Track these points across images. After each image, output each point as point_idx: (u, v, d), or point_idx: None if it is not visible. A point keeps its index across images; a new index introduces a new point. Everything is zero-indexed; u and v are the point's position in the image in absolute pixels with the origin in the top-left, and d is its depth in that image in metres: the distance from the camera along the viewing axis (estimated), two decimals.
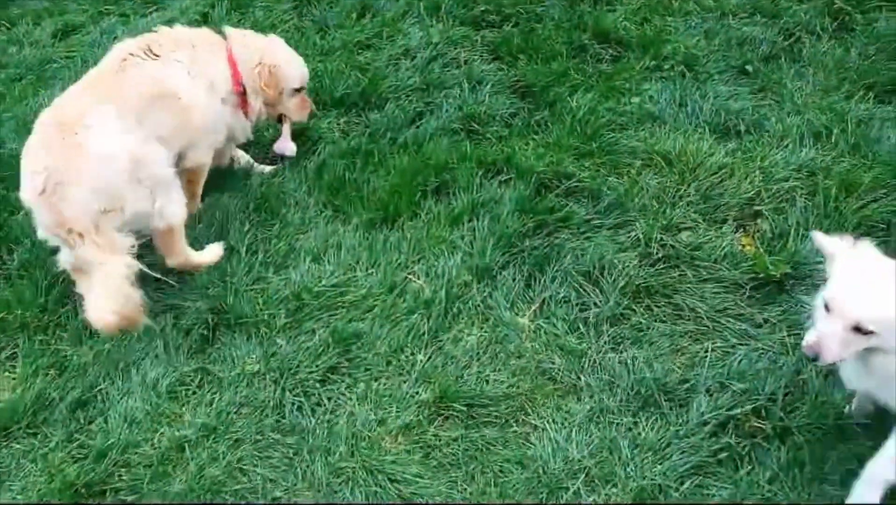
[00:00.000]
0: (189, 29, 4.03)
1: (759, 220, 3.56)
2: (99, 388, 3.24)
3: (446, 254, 3.62)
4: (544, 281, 3.43)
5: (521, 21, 5.18)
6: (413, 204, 3.89)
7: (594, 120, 4.27)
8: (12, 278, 3.78)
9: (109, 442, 2.99)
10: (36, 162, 3.28)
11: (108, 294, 3.24)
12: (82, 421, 3.13)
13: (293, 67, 4.10)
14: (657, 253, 3.41)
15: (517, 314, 3.33)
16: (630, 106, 4.41)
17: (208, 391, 3.20)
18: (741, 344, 3.06)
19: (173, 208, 3.51)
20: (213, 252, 3.78)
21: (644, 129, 4.22)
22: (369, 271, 3.61)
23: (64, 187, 3.19)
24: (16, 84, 5.18)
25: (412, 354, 3.22)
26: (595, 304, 3.27)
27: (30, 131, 4.54)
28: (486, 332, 3.28)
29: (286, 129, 4.27)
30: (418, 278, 3.54)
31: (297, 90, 4.13)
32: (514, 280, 3.46)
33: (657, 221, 3.56)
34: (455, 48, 4.96)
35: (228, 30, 4.05)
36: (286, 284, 3.59)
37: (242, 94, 3.94)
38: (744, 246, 3.46)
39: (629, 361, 3.04)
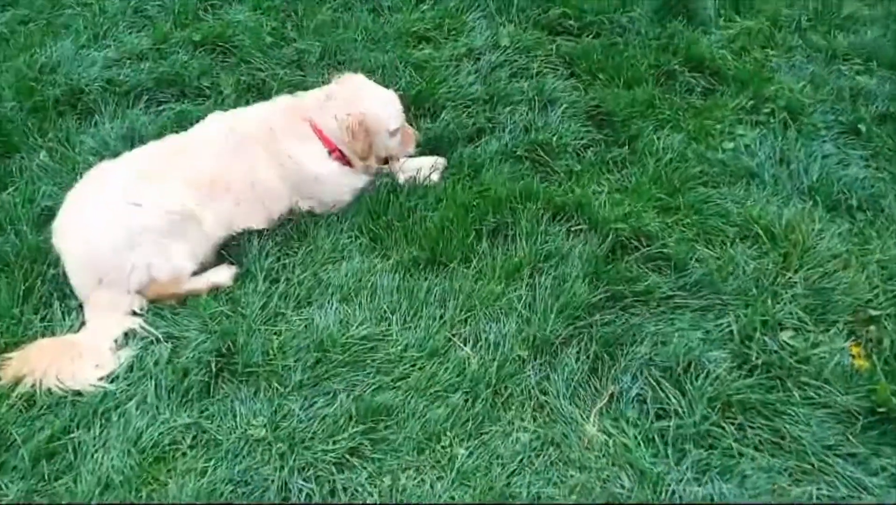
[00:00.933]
0: (267, 104, 3.60)
1: (874, 328, 2.98)
2: (71, 434, 2.69)
3: (500, 316, 3.05)
4: (615, 370, 2.86)
5: (604, 31, 4.54)
6: (465, 245, 3.30)
7: (682, 168, 3.67)
8: None
9: None
10: None
11: None
12: (47, 476, 2.59)
13: (383, 110, 3.52)
14: (755, 357, 2.84)
15: (579, 407, 2.77)
16: (723, 154, 3.80)
17: (201, 456, 2.65)
18: (851, 496, 2.51)
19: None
20: (221, 275, 3.22)
21: (739, 188, 3.61)
22: (407, 324, 3.04)
23: None
24: (22, 28, 4.54)
25: (451, 444, 2.67)
26: (676, 412, 2.71)
27: (31, 91, 4.02)
28: (541, 427, 2.72)
29: (396, 168, 3.70)
30: (465, 344, 2.97)
31: (396, 130, 3.57)
32: (577, 362, 2.89)
33: (755, 313, 2.98)
34: (526, 56, 4.33)
35: (305, 96, 3.58)
36: (307, 327, 3.02)
37: (343, 157, 3.52)
38: (854, 357, 2.89)
39: (716, 498, 2.50)
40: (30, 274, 3.13)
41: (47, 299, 3.11)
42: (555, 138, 3.81)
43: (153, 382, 2.84)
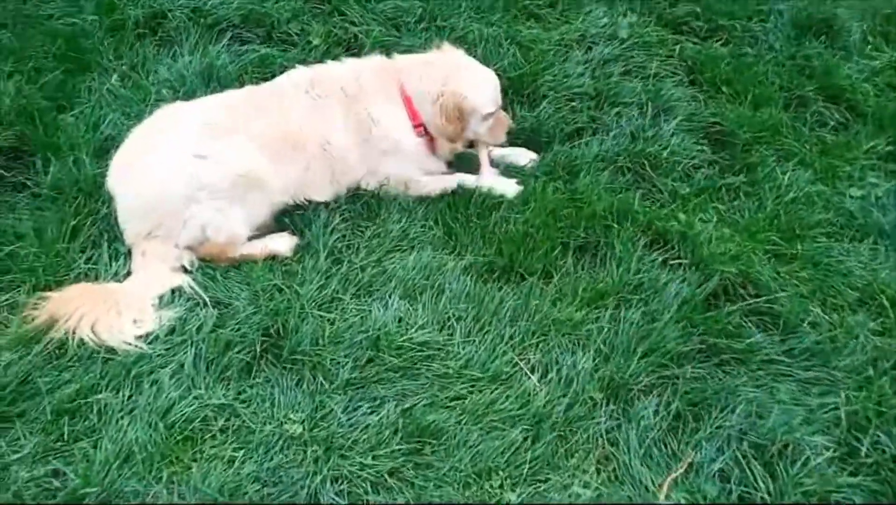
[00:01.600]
0: (357, 61, 3.29)
1: None
2: (98, 394, 2.48)
3: (576, 347, 2.72)
4: (698, 434, 2.51)
5: (734, 39, 4.08)
6: (548, 258, 2.97)
7: (804, 212, 3.25)
8: (39, 201, 3.00)
9: (88, 485, 2.25)
10: None
11: None
12: (66, 435, 2.38)
13: (481, 92, 3.19)
14: (864, 454, 2.46)
15: (651, 470, 2.44)
16: (851, 203, 3.35)
17: (231, 443, 2.42)
18: None
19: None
20: (281, 243, 2.95)
21: (866, 246, 3.18)
22: (471, 337, 2.73)
23: None
24: None
25: (502, 486, 2.37)
26: (763, 500, 2.36)
27: (112, 8, 3.77)
28: (604, 484, 2.40)
29: (483, 156, 3.35)
30: (532, 372, 2.66)
31: (491, 114, 3.22)
32: (656, 416, 2.55)
33: (870, 400, 2.59)
34: (645, 53, 3.91)
35: (399, 59, 3.27)
36: (363, 320, 2.74)
37: (426, 134, 3.21)
38: None
39: None
40: (82, 209, 2.92)
41: (97, 240, 2.89)
42: (665, 152, 3.41)
43: (192, 351, 2.60)
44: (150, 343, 2.62)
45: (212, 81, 3.47)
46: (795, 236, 3.14)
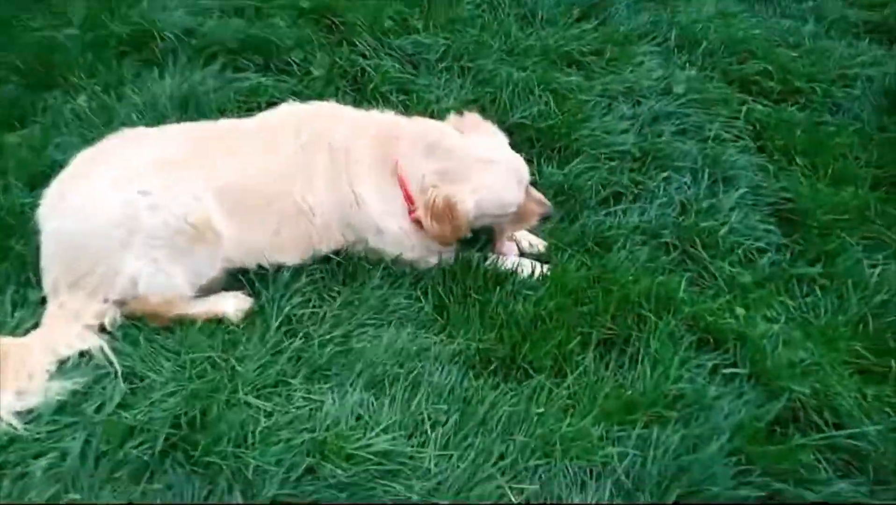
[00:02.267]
0: (355, 115, 2.63)
1: None
2: None
3: (588, 478, 2.02)
4: None
5: (813, 105, 3.44)
6: (562, 352, 2.30)
7: None
8: None
9: None
10: None
11: None
12: None
13: (492, 196, 2.46)
14: None
15: None
16: None
17: None
18: None
19: None
20: (227, 304, 2.37)
21: None
22: (448, 450, 2.06)
23: None
24: None
25: None
26: None
27: (96, 23, 3.37)
28: None
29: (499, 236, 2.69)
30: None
31: (511, 213, 2.55)
32: None
33: None
34: (704, 112, 3.29)
35: (402, 127, 2.57)
36: (311, 415, 2.10)
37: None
38: None
39: None
40: None
41: (2, 283, 2.36)
42: (722, 229, 2.74)
43: (82, 438, 2.00)
44: (29, 422, 2.03)
45: (188, 109, 2.98)
46: (887, 350, 2.40)
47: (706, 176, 2.95)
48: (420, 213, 2.41)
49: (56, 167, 2.61)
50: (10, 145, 2.74)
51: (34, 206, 2.44)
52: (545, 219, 2.62)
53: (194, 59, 3.26)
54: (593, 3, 3.82)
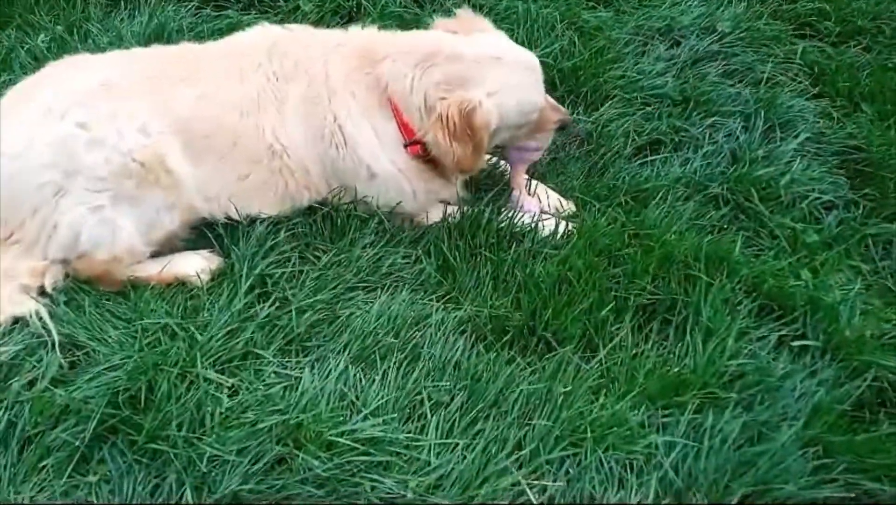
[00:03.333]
0: (336, 34, 2.21)
1: None
2: None
3: (627, 472, 1.62)
4: None
5: (878, 45, 2.97)
6: (591, 320, 1.89)
7: None
8: None
9: None
10: None
11: None
12: None
13: (510, 96, 2.05)
14: None
15: None
16: None
17: None
18: None
19: None
20: (187, 264, 1.99)
21: None
22: (453, 437, 1.66)
23: None
24: None
25: None
26: None
27: None
28: None
29: (518, 177, 2.26)
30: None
31: (529, 121, 2.13)
32: None
33: None
34: (754, 52, 2.85)
35: (384, 40, 2.14)
36: (285, 392, 1.72)
37: (426, 153, 2.06)
38: None
39: None
40: None
41: None
42: (782, 180, 2.31)
43: (5, 419, 1.64)
44: None
45: None
46: None
47: (760, 121, 2.52)
48: (436, 135, 1.97)
49: None
50: None
51: None
52: (562, 128, 2.24)
53: None
54: None
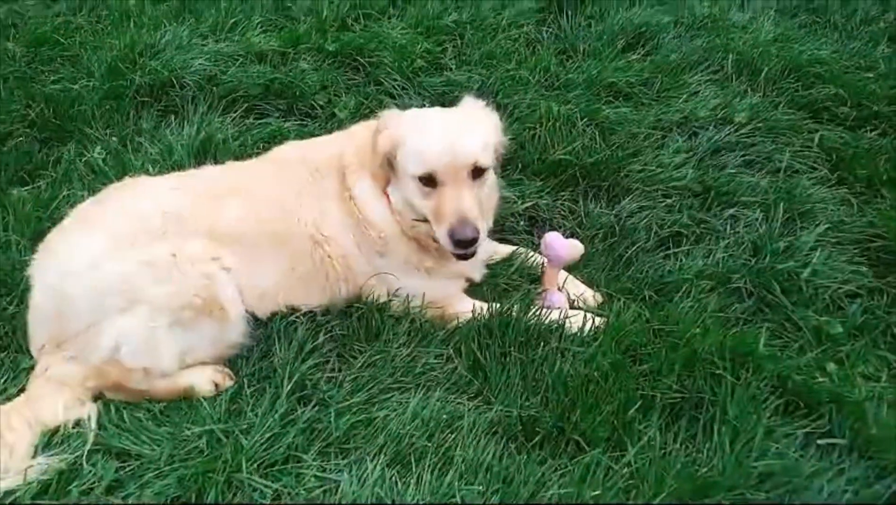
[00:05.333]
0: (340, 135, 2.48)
1: None
2: None
3: None
4: None
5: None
6: (619, 420, 1.94)
7: None
8: None
9: None
10: None
11: None
12: None
13: (412, 132, 2.18)
14: None
15: None
16: None
17: None
18: None
19: None
20: (199, 377, 2.09)
21: None
22: None
23: None
24: (149, 5, 3.82)
25: None
26: None
27: (116, 73, 3.25)
28: None
29: (551, 273, 2.38)
30: None
31: (422, 177, 2.16)
32: None
33: None
34: (771, 141, 2.95)
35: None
36: (325, 496, 1.79)
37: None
38: None
39: None
40: None
41: None
42: (804, 272, 2.36)
43: None
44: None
45: (205, 158, 2.79)
46: None
47: (780, 212, 2.59)
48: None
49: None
50: (17, 200, 2.58)
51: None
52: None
53: (215, 106, 3.09)
54: (639, 34, 3.55)
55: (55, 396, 1.99)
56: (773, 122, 2.99)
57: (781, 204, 2.61)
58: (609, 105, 3.10)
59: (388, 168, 2.20)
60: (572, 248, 2.36)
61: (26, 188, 2.69)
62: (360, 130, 2.36)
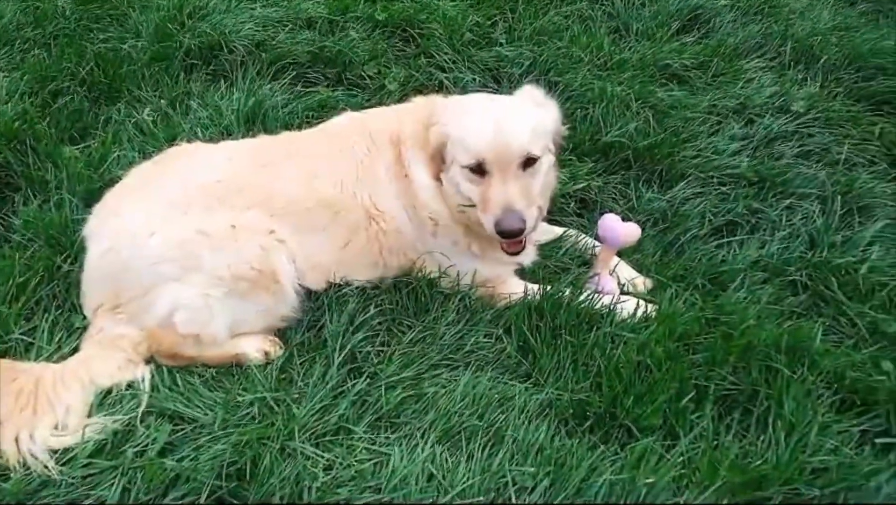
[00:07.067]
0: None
1: None
2: None
3: None
4: None
5: None
6: (672, 409, 1.92)
7: None
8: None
9: None
10: None
11: None
12: None
13: (463, 127, 2.14)
14: None
15: None
16: None
17: None
18: None
19: None
20: (249, 345, 2.10)
21: None
22: None
23: None
24: None
25: None
26: None
27: (165, 35, 3.22)
28: None
29: (604, 257, 2.35)
30: None
31: (471, 167, 2.13)
32: None
33: None
34: (829, 132, 2.88)
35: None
36: (376, 469, 1.80)
37: None
38: None
39: None
40: (37, 262, 2.21)
41: (47, 304, 2.16)
42: (862, 268, 2.32)
43: (119, 485, 1.75)
44: (64, 463, 1.80)
45: (255, 124, 2.78)
46: None
47: (837, 204, 2.54)
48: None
49: (113, 184, 2.43)
50: (68, 160, 2.58)
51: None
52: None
53: (264, 72, 3.07)
54: (694, 15, 3.47)
55: (109, 357, 2.01)
56: (832, 112, 2.92)
57: (839, 197, 2.56)
58: (663, 87, 3.04)
59: (439, 159, 2.17)
60: (630, 231, 2.32)
61: (77, 147, 2.69)
62: (417, 107, 2.32)
